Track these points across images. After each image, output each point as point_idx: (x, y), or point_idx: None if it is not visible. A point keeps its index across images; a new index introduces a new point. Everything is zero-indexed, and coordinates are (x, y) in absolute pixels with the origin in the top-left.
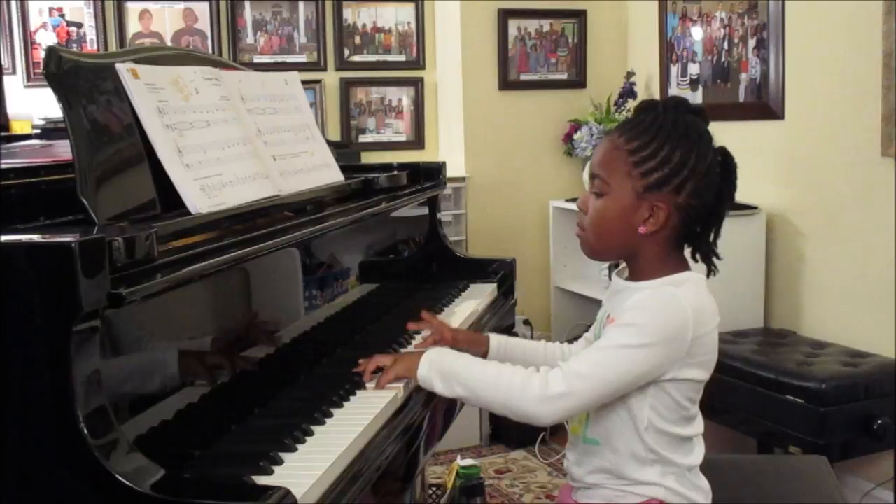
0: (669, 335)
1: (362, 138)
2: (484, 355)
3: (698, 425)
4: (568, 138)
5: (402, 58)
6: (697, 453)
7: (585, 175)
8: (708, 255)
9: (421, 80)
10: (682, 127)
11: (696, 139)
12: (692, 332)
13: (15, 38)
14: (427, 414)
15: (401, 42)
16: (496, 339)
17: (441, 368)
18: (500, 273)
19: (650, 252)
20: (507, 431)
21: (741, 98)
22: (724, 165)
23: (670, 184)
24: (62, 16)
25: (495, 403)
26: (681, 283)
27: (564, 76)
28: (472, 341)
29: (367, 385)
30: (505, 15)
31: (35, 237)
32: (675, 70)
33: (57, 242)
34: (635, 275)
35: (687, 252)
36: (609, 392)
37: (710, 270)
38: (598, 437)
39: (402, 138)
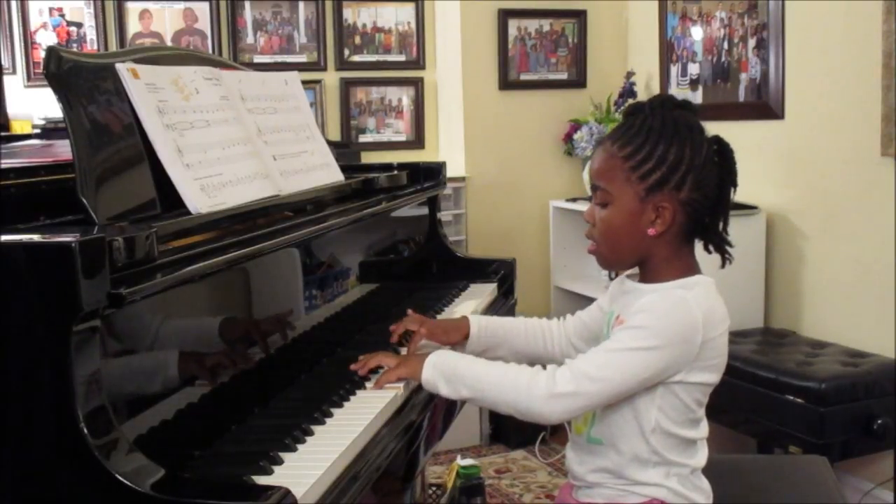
0: (678, 338)
1: (362, 138)
2: (465, 338)
3: (703, 429)
4: (568, 138)
5: (402, 58)
6: (701, 456)
7: (585, 175)
8: (720, 245)
9: (421, 79)
10: (671, 124)
11: (688, 133)
12: (702, 336)
13: (15, 38)
14: (427, 414)
15: (401, 42)
16: (476, 323)
17: (445, 371)
18: (500, 273)
19: (662, 253)
20: (507, 431)
21: (741, 98)
22: (721, 154)
23: (670, 182)
24: (62, 16)
25: (501, 403)
26: (691, 286)
27: (564, 76)
28: (450, 328)
29: (367, 384)
30: (505, 15)
31: (35, 237)
32: (675, 70)
33: (57, 242)
34: (647, 276)
35: (699, 245)
36: (616, 393)
37: (725, 260)
38: (602, 437)
39: (402, 138)
